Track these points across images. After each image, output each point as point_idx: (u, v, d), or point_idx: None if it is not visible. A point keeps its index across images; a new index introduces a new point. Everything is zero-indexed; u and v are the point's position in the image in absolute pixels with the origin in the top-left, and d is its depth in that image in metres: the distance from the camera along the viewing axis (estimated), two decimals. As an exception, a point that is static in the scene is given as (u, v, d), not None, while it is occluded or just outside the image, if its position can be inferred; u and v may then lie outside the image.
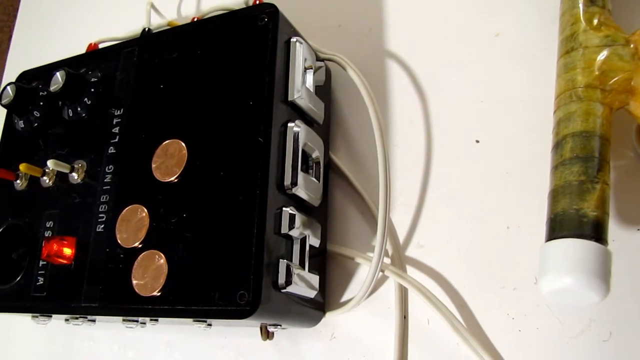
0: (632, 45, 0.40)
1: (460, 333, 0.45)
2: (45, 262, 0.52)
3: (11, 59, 0.91)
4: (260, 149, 0.44)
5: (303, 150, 0.47)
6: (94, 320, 0.53)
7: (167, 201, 0.47)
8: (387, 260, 0.51)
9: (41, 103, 0.57)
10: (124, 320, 0.49)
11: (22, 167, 0.54)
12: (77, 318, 0.52)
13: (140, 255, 0.47)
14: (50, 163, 0.53)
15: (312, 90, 0.50)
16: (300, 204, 0.47)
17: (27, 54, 0.89)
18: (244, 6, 0.60)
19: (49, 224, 0.54)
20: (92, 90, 0.54)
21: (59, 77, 0.54)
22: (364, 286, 0.47)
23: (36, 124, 0.57)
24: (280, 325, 0.48)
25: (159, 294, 0.45)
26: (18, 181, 0.57)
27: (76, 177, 0.53)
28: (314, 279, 0.47)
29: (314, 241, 0.48)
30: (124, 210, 0.49)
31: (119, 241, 0.48)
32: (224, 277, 0.43)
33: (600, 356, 0.42)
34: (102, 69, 0.56)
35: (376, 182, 0.48)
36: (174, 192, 0.47)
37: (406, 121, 0.54)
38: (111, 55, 0.57)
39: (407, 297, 0.50)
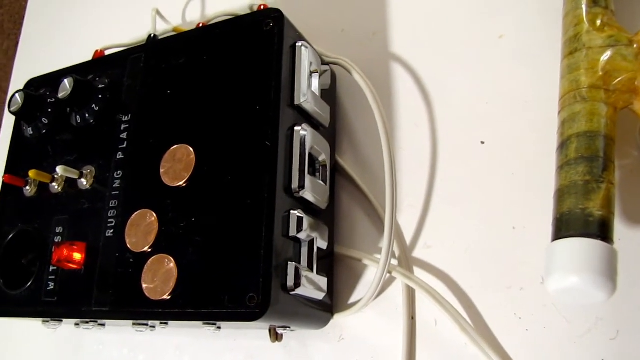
0: (635, 46, 0.40)
1: (467, 333, 0.46)
2: (55, 268, 0.53)
3: (18, 66, 0.92)
4: (268, 153, 0.45)
5: (310, 154, 0.47)
6: (103, 324, 0.53)
7: (175, 205, 0.48)
8: (394, 262, 0.51)
9: (49, 110, 0.57)
10: (134, 324, 0.50)
11: (32, 173, 0.55)
12: (87, 322, 0.53)
13: (150, 260, 0.47)
14: (59, 169, 0.53)
15: (317, 94, 0.50)
16: (307, 207, 0.47)
17: (33, 61, 0.90)
18: (249, 11, 0.60)
19: (59, 229, 0.54)
20: (100, 96, 0.55)
21: (66, 84, 0.54)
22: (372, 287, 0.48)
23: (45, 131, 0.57)
24: (289, 327, 0.48)
25: (169, 297, 0.45)
26: (27, 187, 0.58)
27: (85, 183, 0.54)
28: (322, 281, 0.47)
29: (321, 243, 0.48)
30: (133, 215, 0.50)
31: (129, 246, 0.49)
32: (234, 280, 0.43)
33: (607, 354, 0.42)
34: (109, 76, 0.57)
35: (382, 184, 0.48)
36: (182, 196, 0.48)
37: (411, 123, 0.54)
38: (118, 61, 0.57)
39: (414, 298, 0.50)
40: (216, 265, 0.44)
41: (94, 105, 0.55)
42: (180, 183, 0.48)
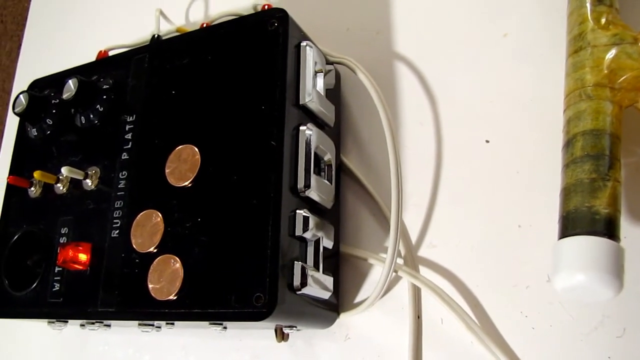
0: (640, 44, 0.40)
1: (474, 332, 0.46)
2: (61, 268, 0.53)
3: (21, 67, 0.92)
4: (273, 153, 0.45)
5: (315, 153, 0.47)
6: (109, 325, 0.53)
7: (181, 206, 0.48)
8: (400, 261, 0.51)
9: (54, 111, 0.57)
10: (139, 324, 0.50)
11: (36, 174, 0.55)
12: (93, 323, 0.53)
13: (156, 260, 0.47)
14: (64, 170, 0.53)
15: (322, 93, 0.50)
16: (313, 207, 0.47)
17: (36, 63, 0.90)
18: (253, 11, 0.60)
19: (64, 230, 0.54)
20: (104, 97, 0.55)
21: (71, 84, 0.54)
22: (378, 287, 0.48)
23: (49, 132, 0.57)
24: (295, 327, 0.49)
25: (175, 297, 0.45)
26: (32, 188, 0.58)
27: (90, 184, 0.54)
28: (328, 281, 0.47)
29: (327, 243, 0.48)
30: (139, 216, 0.50)
31: (134, 246, 0.49)
32: (240, 280, 0.43)
33: (614, 352, 0.42)
34: (114, 76, 0.57)
35: (387, 183, 0.48)
36: (188, 196, 0.48)
37: (416, 122, 0.55)
38: (122, 62, 0.58)
39: (420, 297, 0.50)
40: (222, 265, 0.44)
41: (98, 106, 0.55)
42: (186, 183, 0.48)
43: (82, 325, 0.55)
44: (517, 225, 0.48)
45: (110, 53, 0.64)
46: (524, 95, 0.51)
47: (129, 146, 0.53)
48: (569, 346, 0.44)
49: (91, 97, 0.55)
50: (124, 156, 0.53)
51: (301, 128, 0.47)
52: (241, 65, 0.49)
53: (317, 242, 0.46)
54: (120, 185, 0.52)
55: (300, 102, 0.47)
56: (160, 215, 0.49)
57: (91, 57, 0.63)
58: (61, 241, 0.54)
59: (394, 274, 0.49)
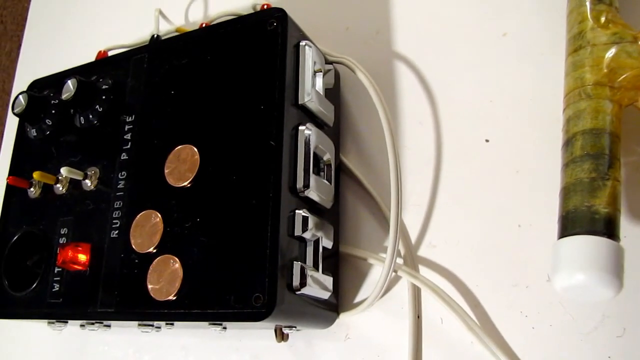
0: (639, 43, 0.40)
1: (474, 331, 0.46)
2: (60, 269, 0.53)
3: (21, 67, 0.92)
4: (272, 153, 0.45)
5: (314, 153, 0.47)
6: (109, 325, 0.53)
7: (180, 206, 0.48)
8: (399, 261, 0.51)
9: (53, 111, 0.57)
10: (139, 325, 0.50)
11: (36, 175, 0.55)
12: (92, 323, 0.53)
13: (155, 260, 0.47)
14: (63, 170, 0.53)
15: (321, 93, 0.50)
16: (312, 207, 0.47)
17: (36, 63, 0.90)
18: (252, 11, 0.60)
19: (64, 230, 0.54)
20: (104, 97, 0.55)
21: (70, 85, 0.54)
22: (377, 286, 0.48)
23: (48, 132, 0.57)
24: (295, 327, 0.48)
25: (174, 298, 0.45)
26: (32, 189, 0.58)
27: (89, 184, 0.54)
28: (328, 281, 0.47)
29: (326, 243, 0.48)
30: (138, 216, 0.50)
31: (134, 246, 0.49)
32: (239, 280, 0.43)
33: (614, 352, 0.42)
34: (113, 76, 0.57)
35: (387, 183, 0.48)
36: (187, 197, 0.48)
37: (415, 122, 0.54)
38: (121, 62, 0.58)
39: (420, 296, 0.50)
40: (222, 265, 0.44)
41: (97, 106, 0.55)
42: (185, 183, 0.48)
43: (82, 325, 0.55)
44: (517, 224, 0.48)
45: (110, 53, 0.64)
46: (524, 94, 0.50)
47: (128, 146, 0.53)
48: (569, 346, 0.43)
49: (90, 97, 0.55)
50: (123, 156, 0.53)
51: (300, 128, 0.47)
52: (240, 65, 0.49)
53: (316, 242, 0.46)
54: (120, 186, 0.52)
55: (300, 102, 0.47)
56: (159, 215, 0.49)
57: (91, 57, 0.63)
58: (61, 242, 0.54)
59: (393, 273, 0.49)
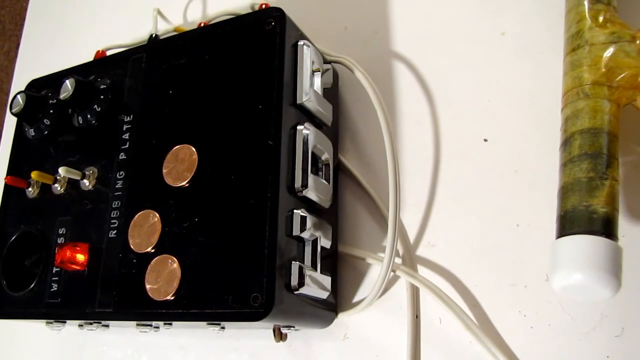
0: (638, 42, 0.40)
1: (472, 331, 0.46)
2: (58, 269, 0.53)
3: (19, 67, 0.92)
4: (270, 152, 0.45)
5: (312, 153, 0.47)
6: (107, 325, 0.53)
7: (178, 206, 0.48)
8: (398, 260, 0.51)
9: (51, 111, 0.57)
10: (137, 324, 0.50)
11: (34, 174, 0.55)
12: (91, 323, 0.53)
13: (153, 260, 0.47)
14: (61, 170, 0.53)
15: (320, 92, 0.50)
16: (310, 206, 0.47)
17: (35, 62, 0.90)
18: (250, 11, 0.60)
19: (62, 230, 0.54)
20: (102, 97, 0.55)
21: (68, 84, 0.54)
22: (376, 286, 0.48)
23: (47, 132, 0.57)
24: (293, 327, 0.48)
25: (172, 298, 0.45)
26: (30, 189, 0.58)
27: (87, 184, 0.54)
28: (326, 280, 0.47)
29: (325, 243, 0.48)
30: (136, 216, 0.50)
31: (132, 246, 0.49)
32: (237, 280, 0.43)
33: (612, 351, 0.42)
34: (111, 76, 0.57)
35: (385, 182, 0.48)
36: (185, 196, 0.48)
37: (414, 121, 0.54)
38: (119, 62, 0.57)
39: (418, 296, 0.50)
40: (220, 265, 0.44)
41: (95, 106, 0.55)
42: (183, 183, 0.48)
43: (80, 325, 0.55)
44: (516, 224, 0.48)
45: (108, 53, 0.64)
46: (522, 93, 0.50)
47: (127, 146, 0.53)
48: (568, 345, 0.43)
49: (88, 97, 0.55)
50: (122, 156, 0.53)
51: (298, 127, 0.47)
52: (238, 65, 0.49)
53: (314, 242, 0.46)
54: (118, 186, 0.52)
55: (298, 102, 0.47)
56: (157, 215, 0.49)
57: (90, 57, 0.63)
58: (59, 241, 0.54)
59: (392, 273, 0.49)
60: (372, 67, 0.54)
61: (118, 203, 0.52)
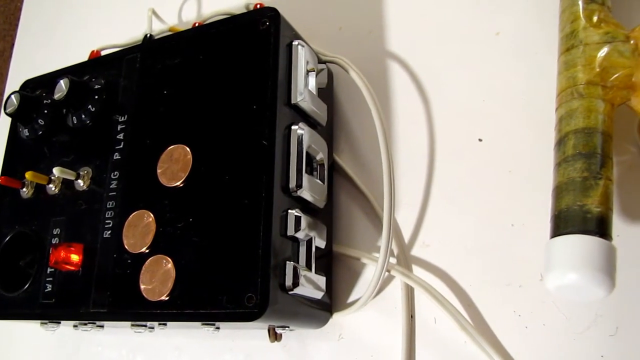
0: (632, 42, 0.40)
1: (467, 331, 0.45)
2: (53, 269, 0.53)
3: (14, 67, 0.91)
4: (265, 152, 0.45)
5: (307, 153, 0.47)
6: (102, 326, 0.53)
7: (173, 206, 0.48)
8: (392, 260, 0.51)
9: (45, 111, 0.57)
10: (132, 325, 0.50)
11: (28, 175, 0.54)
12: (85, 324, 0.53)
13: (148, 260, 0.47)
14: (55, 170, 0.53)
15: (314, 92, 0.50)
16: (305, 206, 0.47)
17: (29, 62, 0.90)
18: (245, 10, 0.60)
19: (56, 231, 0.54)
20: (96, 97, 0.55)
21: (62, 85, 0.54)
22: (371, 286, 0.47)
23: (41, 132, 0.57)
24: (288, 327, 0.48)
25: (167, 298, 0.45)
26: (24, 189, 0.58)
27: (82, 184, 0.54)
28: (321, 280, 0.47)
29: (319, 242, 0.48)
30: (131, 216, 0.49)
31: (126, 246, 0.49)
32: (232, 280, 0.43)
33: (607, 351, 0.42)
34: (105, 76, 0.57)
35: (380, 182, 0.48)
36: (179, 196, 0.48)
37: (409, 121, 0.54)
38: (114, 62, 0.57)
39: (413, 296, 0.50)
40: (214, 265, 0.44)
41: (90, 106, 0.54)
42: (178, 183, 0.48)
43: (75, 326, 0.54)
44: (510, 224, 0.48)
45: (103, 53, 0.63)
46: (517, 93, 0.51)
47: (121, 146, 0.53)
48: (562, 345, 0.43)
49: (83, 97, 0.55)
50: (116, 156, 0.53)
51: (293, 127, 0.47)
52: (233, 65, 0.49)
53: (309, 242, 0.46)
54: (112, 186, 0.52)
55: (292, 102, 0.47)
56: (152, 215, 0.48)
57: (84, 57, 0.63)
58: (53, 242, 0.54)
59: (386, 273, 0.49)
60: (366, 67, 0.54)
61: (112, 203, 0.51)
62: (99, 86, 0.55)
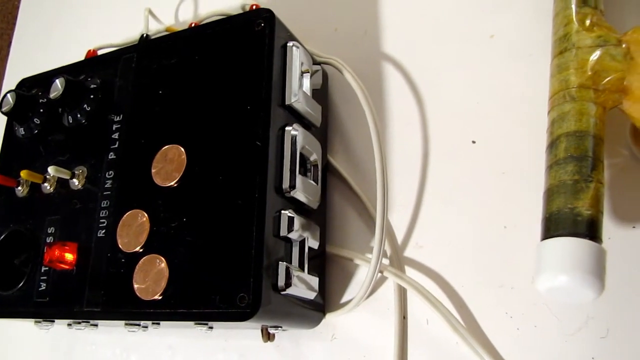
0: (624, 45, 0.40)
1: (459, 332, 0.46)
2: (47, 268, 0.53)
3: (11, 65, 0.92)
4: (259, 153, 0.45)
5: (301, 154, 0.47)
6: (96, 325, 0.53)
7: (167, 206, 0.48)
8: (385, 261, 0.51)
9: (41, 110, 0.57)
10: (126, 324, 0.50)
11: (23, 173, 0.55)
12: (79, 323, 0.53)
13: (142, 260, 0.47)
14: (51, 169, 0.53)
15: (309, 93, 0.50)
16: (299, 207, 0.47)
17: (26, 61, 0.90)
18: (241, 11, 0.60)
19: (51, 229, 0.54)
20: (92, 96, 0.55)
21: (58, 84, 0.54)
22: (363, 287, 0.48)
23: (36, 131, 0.57)
24: (281, 327, 0.49)
25: (160, 297, 0.45)
26: (19, 188, 0.58)
27: (77, 183, 0.54)
28: (314, 281, 0.47)
29: (313, 243, 0.48)
30: (125, 215, 0.50)
31: (120, 246, 0.49)
32: (225, 280, 0.43)
33: (598, 353, 0.42)
34: (101, 76, 0.57)
35: (374, 183, 0.48)
36: (173, 196, 0.48)
37: (403, 123, 0.55)
38: (110, 61, 0.57)
39: (406, 297, 0.50)
40: (207, 265, 0.44)
41: (85, 106, 0.55)
42: (172, 183, 0.48)
43: (69, 324, 0.54)
44: (503, 226, 0.48)
45: (99, 52, 0.64)
46: (511, 96, 0.51)
47: (116, 146, 0.53)
48: (554, 347, 0.44)
49: (78, 96, 0.55)
50: (111, 156, 0.53)
51: (287, 128, 0.47)
52: (228, 66, 0.49)
53: (302, 243, 0.46)
54: (107, 185, 0.52)
55: (286, 103, 0.48)
56: (146, 215, 0.49)
57: (81, 56, 0.63)
58: (48, 241, 0.54)
59: (379, 274, 0.49)
60: (361, 68, 0.54)
61: (107, 202, 0.52)
62: (95, 86, 0.55)
